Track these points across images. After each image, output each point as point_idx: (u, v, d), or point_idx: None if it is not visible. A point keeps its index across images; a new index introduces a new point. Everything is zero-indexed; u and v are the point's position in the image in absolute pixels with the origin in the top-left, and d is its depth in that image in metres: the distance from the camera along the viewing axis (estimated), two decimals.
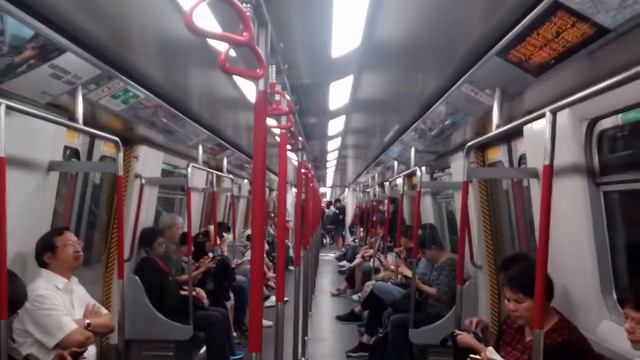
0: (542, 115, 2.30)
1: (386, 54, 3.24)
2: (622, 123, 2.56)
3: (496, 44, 2.53)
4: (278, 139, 2.80)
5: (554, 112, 2.22)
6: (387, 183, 8.14)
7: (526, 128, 3.15)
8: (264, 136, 1.70)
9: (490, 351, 3.01)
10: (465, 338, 3.20)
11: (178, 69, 3.58)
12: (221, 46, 1.36)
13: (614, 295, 2.76)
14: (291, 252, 10.66)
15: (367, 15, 2.55)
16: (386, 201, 8.17)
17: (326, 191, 25.13)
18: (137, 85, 3.37)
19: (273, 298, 6.45)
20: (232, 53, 2.58)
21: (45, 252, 3.21)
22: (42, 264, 3.22)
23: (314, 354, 6.25)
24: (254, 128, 1.69)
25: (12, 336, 2.97)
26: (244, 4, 1.46)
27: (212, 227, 6.41)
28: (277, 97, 2.48)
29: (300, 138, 3.75)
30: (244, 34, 1.31)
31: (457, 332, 3.30)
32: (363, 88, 4.30)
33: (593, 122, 2.69)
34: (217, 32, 1.29)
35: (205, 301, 5.25)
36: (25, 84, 2.55)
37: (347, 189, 21.33)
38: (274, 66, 2.27)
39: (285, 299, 6.74)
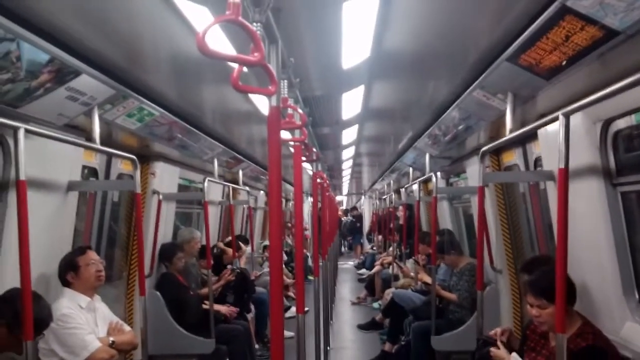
0: (556, 119, 2.29)
1: (396, 63, 3.26)
2: (637, 123, 2.55)
3: (506, 49, 2.53)
4: (292, 150, 2.82)
5: (566, 115, 2.21)
6: (403, 189, 8.13)
7: (540, 131, 3.14)
8: (278, 150, 1.72)
9: (514, 357, 2.99)
10: (501, 354, 3.17)
11: (191, 85, 3.63)
12: (233, 63, 1.39)
13: (637, 296, 2.74)
14: (310, 262, 10.66)
15: (376, 26, 2.57)
16: (401, 208, 8.16)
17: (342, 199, 25.11)
18: (151, 104, 3.42)
19: (294, 309, 6.46)
20: (245, 69, 2.62)
21: (68, 271, 3.25)
22: (65, 283, 3.26)
23: None
24: (268, 143, 1.71)
25: (38, 356, 3.01)
26: (254, 23, 1.48)
27: (220, 244, 6.48)
28: (290, 110, 2.50)
29: (314, 149, 3.77)
30: (255, 54, 1.33)
31: (486, 338, 3.28)
32: (375, 97, 4.32)
33: (607, 123, 2.67)
34: (229, 54, 1.32)
35: (232, 314, 5.28)
36: (43, 107, 2.60)
37: (363, 197, 21.30)
38: (285, 81, 2.30)
39: (306, 309, 6.78)
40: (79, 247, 3.45)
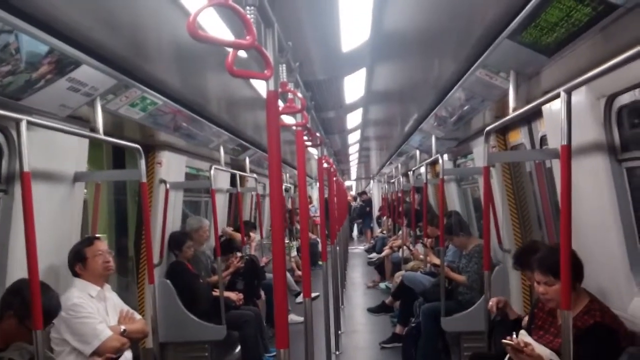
0: (557, 96, 2.27)
1: (396, 45, 3.24)
2: None
3: (507, 26, 2.51)
4: None
5: (568, 92, 2.19)
6: (411, 172, 8.11)
7: (545, 108, 3.12)
8: (277, 134, 1.73)
9: (523, 334, 3.00)
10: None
11: (194, 73, 3.62)
12: (228, 47, 1.39)
13: None
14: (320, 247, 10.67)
15: (374, 8, 2.55)
16: (411, 191, 8.14)
17: (351, 184, 25.10)
18: (154, 93, 3.41)
19: None
20: (244, 55, 2.61)
21: (76, 262, 3.28)
22: (75, 274, 3.29)
23: (347, 347, 6.29)
24: (267, 127, 1.72)
25: (50, 345, 3.06)
26: (248, 7, 1.48)
27: (228, 229, 6.54)
28: (290, 95, 2.50)
29: (317, 134, 3.76)
30: (247, 37, 1.33)
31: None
32: (377, 80, 4.30)
33: (611, 99, 2.64)
34: (220, 38, 1.32)
35: (240, 300, 5.33)
36: (45, 99, 2.60)
37: (372, 181, 21.28)
38: (284, 65, 2.29)
39: (317, 294, 6.80)
40: (86, 237, 3.47)
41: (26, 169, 2.30)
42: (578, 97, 2.61)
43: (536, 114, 3.43)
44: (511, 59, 2.87)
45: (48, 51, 2.31)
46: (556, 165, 3.28)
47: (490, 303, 3.49)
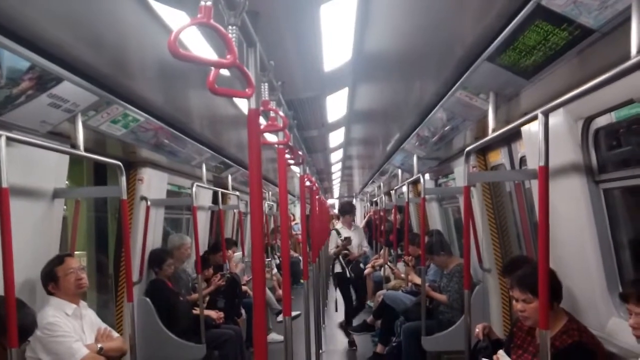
0: (535, 117, 2.31)
1: (378, 65, 3.28)
2: (617, 120, 2.57)
3: (486, 49, 2.55)
4: None
5: (545, 114, 2.23)
6: (393, 192, 8.15)
7: (524, 130, 3.16)
8: (258, 153, 1.73)
9: (501, 354, 3.01)
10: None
11: (177, 90, 3.63)
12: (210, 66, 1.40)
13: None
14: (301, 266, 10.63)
15: (355, 29, 2.59)
16: (393, 210, 8.17)
17: (334, 203, 25.09)
18: (136, 109, 3.41)
19: None
20: (227, 73, 2.63)
21: (49, 282, 3.20)
22: (49, 293, 3.24)
23: None
24: (248, 145, 1.72)
25: None
26: (230, 27, 1.49)
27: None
28: (273, 113, 2.51)
29: (299, 152, 3.78)
30: (229, 56, 1.34)
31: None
32: (359, 99, 4.34)
33: (588, 121, 2.69)
34: (201, 57, 1.33)
35: (220, 319, 5.28)
36: (25, 115, 2.58)
37: (354, 200, 21.31)
38: (266, 84, 2.31)
39: (297, 312, 6.76)
40: (56, 256, 3.35)
41: (4, 185, 2.27)
42: (556, 119, 2.65)
43: (516, 134, 3.47)
44: (490, 81, 2.92)
45: (29, 67, 2.30)
46: (535, 186, 3.31)
47: (477, 330, 3.47)
